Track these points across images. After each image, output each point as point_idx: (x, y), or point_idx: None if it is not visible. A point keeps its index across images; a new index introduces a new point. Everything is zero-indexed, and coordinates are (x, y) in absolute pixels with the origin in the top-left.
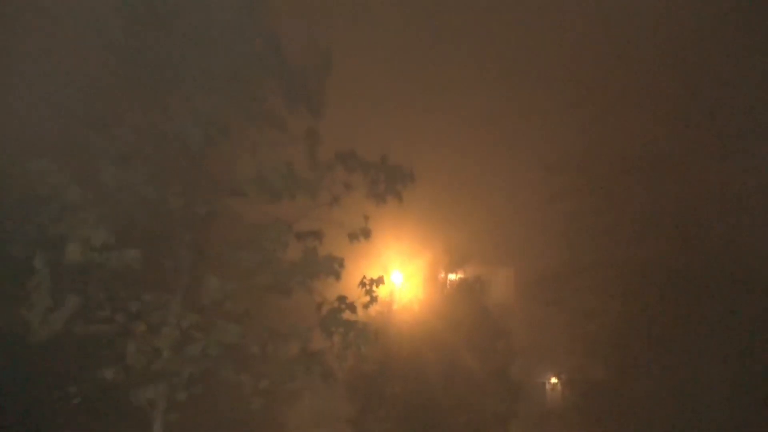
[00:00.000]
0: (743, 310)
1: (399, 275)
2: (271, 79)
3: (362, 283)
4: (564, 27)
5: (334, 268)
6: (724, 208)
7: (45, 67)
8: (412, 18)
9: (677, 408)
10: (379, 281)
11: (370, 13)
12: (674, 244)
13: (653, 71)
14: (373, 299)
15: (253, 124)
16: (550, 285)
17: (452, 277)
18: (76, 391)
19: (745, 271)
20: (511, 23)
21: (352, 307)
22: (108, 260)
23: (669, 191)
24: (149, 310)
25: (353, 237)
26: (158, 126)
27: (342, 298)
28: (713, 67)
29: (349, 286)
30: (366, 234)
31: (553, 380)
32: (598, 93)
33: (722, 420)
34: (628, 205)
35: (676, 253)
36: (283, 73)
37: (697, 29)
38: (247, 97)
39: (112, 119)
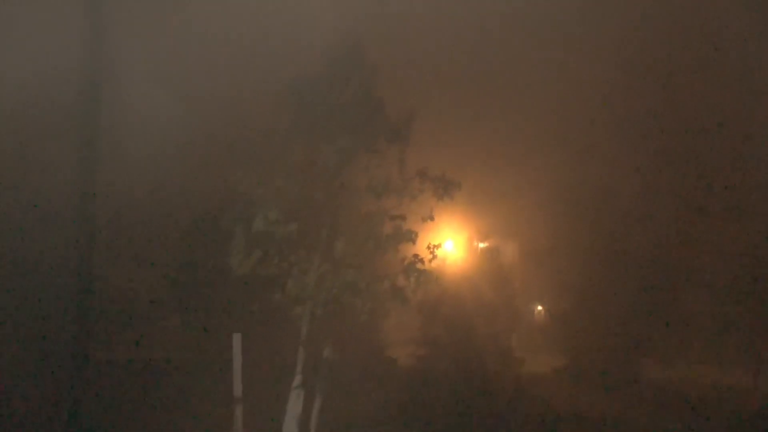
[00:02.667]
0: None
1: (450, 243)
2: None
3: (428, 247)
4: None
5: (411, 237)
6: None
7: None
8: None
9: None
10: (438, 246)
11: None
12: None
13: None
14: (434, 257)
15: (368, 152)
16: (543, 251)
17: (482, 245)
18: (257, 308)
19: None
20: None
21: (421, 261)
22: (277, 229)
23: None
24: (301, 261)
25: (423, 219)
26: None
27: (416, 255)
28: None
29: (420, 248)
30: (431, 218)
31: (539, 308)
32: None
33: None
34: None
35: None
36: (385, 125)
37: None
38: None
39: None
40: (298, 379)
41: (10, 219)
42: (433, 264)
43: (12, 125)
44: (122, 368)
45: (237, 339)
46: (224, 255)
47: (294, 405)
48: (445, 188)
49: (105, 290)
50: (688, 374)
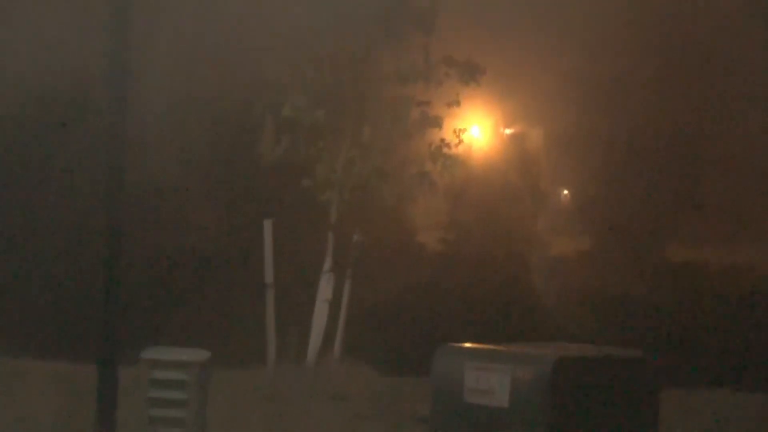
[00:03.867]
0: None
1: (476, 128)
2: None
3: (454, 132)
4: None
5: (438, 122)
6: None
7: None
8: None
9: None
10: (464, 131)
11: None
12: None
13: None
14: (461, 141)
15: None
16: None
17: (507, 131)
18: (287, 195)
19: None
20: None
21: (448, 146)
22: (306, 116)
23: None
24: (329, 147)
25: (449, 105)
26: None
27: (442, 140)
28: None
29: (447, 134)
30: (457, 103)
31: (564, 192)
32: None
33: None
34: None
35: None
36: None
37: None
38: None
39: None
40: (327, 264)
41: None
42: (460, 149)
43: None
44: (152, 259)
45: (267, 225)
46: (254, 144)
47: (324, 289)
48: (470, 74)
49: (134, 182)
50: (712, 256)
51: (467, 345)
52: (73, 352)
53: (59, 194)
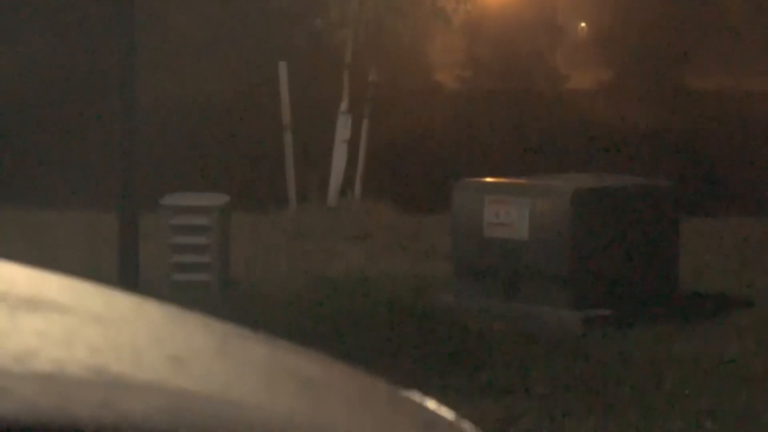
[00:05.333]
0: None
1: None
2: None
3: None
4: None
5: None
6: None
7: None
8: None
9: None
10: None
11: None
12: None
13: None
14: None
15: None
16: None
17: None
18: (301, 35)
19: None
20: None
21: None
22: None
23: None
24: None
25: None
26: None
27: None
28: None
29: None
30: None
31: (582, 25)
32: None
33: None
34: None
35: None
36: None
37: None
38: None
39: None
40: (344, 105)
41: None
42: None
43: None
44: (169, 106)
45: (283, 67)
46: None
47: (342, 130)
48: None
49: (148, 30)
50: (729, 84)
51: (486, 179)
52: (96, 203)
53: (74, 38)
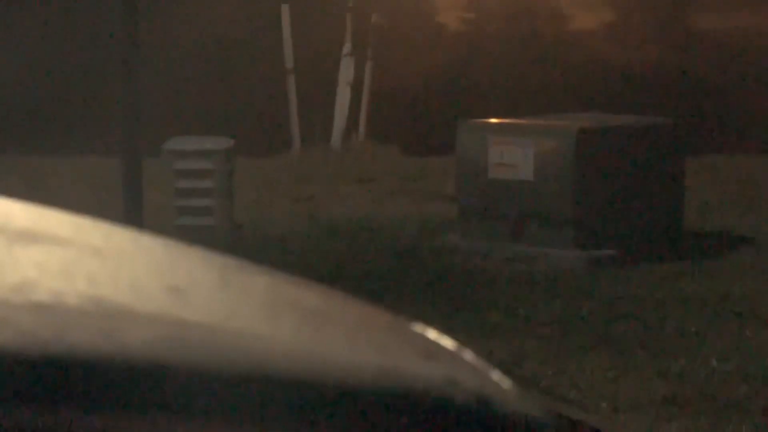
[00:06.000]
0: None
1: None
2: None
3: None
4: None
5: None
6: None
7: None
8: None
9: None
10: None
11: None
12: None
13: None
14: None
15: None
16: None
17: None
18: None
19: None
20: None
21: None
22: None
23: None
24: None
25: None
26: None
27: None
28: None
29: None
30: None
31: None
32: None
33: None
34: None
35: None
36: None
37: None
38: None
39: None
40: (347, 47)
41: None
42: None
43: None
44: (170, 48)
45: (285, 11)
46: None
47: (345, 73)
48: None
49: None
50: (740, 24)
51: (490, 120)
52: (99, 149)
53: None
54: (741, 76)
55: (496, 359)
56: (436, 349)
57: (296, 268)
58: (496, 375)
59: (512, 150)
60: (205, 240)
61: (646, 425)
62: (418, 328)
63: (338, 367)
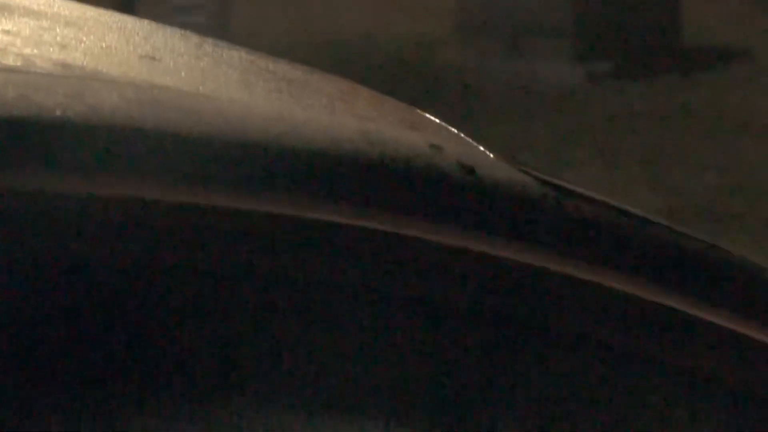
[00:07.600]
0: None
1: None
2: None
3: None
4: None
5: None
6: None
7: None
8: None
9: None
10: None
11: None
12: None
13: None
14: None
15: None
16: None
17: None
18: None
19: None
20: None
21: None
22: None
23: None
24: None
25: None
26: None
27: None
28: None
29: None
30: None
31: None
32: None
33: None
34: None
35: None
36: None
37: None
38: None
39: None
40: None
41: None
42: None
43: None
44: None
45: None
46: None
47: None
48: None
49: None
50: None
51: None
52: None
53: None
54: None
55: None
56: (421, 120)
57: None
58: (483, 147)
59: None
60: None
61: None
62: (403, 103)
63: (317, 130)
